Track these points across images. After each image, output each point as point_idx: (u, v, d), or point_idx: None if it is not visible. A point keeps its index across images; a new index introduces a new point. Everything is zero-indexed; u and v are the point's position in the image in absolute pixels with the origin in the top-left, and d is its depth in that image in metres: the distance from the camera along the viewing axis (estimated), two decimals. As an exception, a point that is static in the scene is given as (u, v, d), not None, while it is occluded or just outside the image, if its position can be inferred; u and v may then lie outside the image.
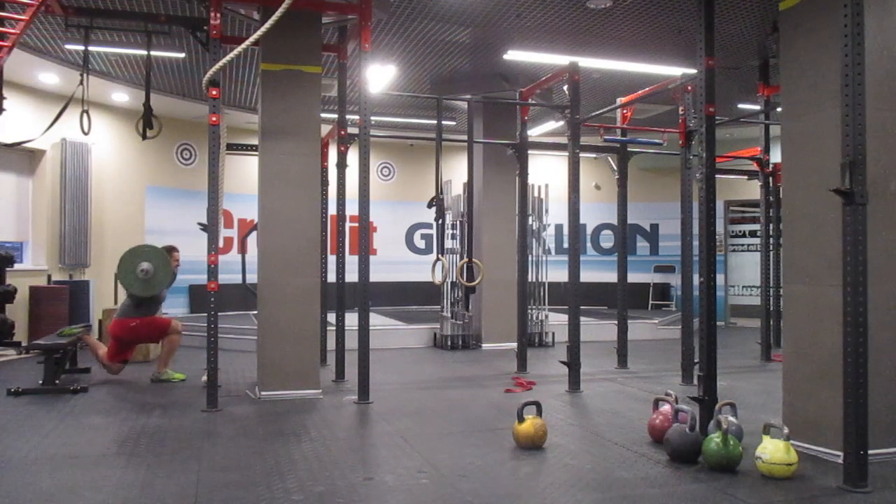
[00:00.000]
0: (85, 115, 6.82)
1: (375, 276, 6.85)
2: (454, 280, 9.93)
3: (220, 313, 6.03)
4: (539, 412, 4.76)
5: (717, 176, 4.90)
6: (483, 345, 9.95)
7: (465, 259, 7.42)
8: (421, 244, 14.89)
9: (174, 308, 11.86)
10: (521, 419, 4.63)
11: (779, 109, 5.15)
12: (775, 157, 8.40)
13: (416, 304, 14.04)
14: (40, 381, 6.53)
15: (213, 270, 5.84)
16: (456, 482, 3.90)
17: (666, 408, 4.80)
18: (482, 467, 4.19)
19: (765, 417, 4.83)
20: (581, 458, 4.44)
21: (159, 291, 7.24)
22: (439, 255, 7.30)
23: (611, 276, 9.01)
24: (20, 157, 10.03)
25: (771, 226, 9.10)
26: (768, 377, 7.55)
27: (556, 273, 10.35)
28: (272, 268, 6.35)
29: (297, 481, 3.89)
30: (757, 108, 10.04)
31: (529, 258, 9.49)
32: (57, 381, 6.60)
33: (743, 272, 14.98)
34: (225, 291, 6.33)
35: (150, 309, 7.28)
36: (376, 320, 11.51)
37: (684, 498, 3.65)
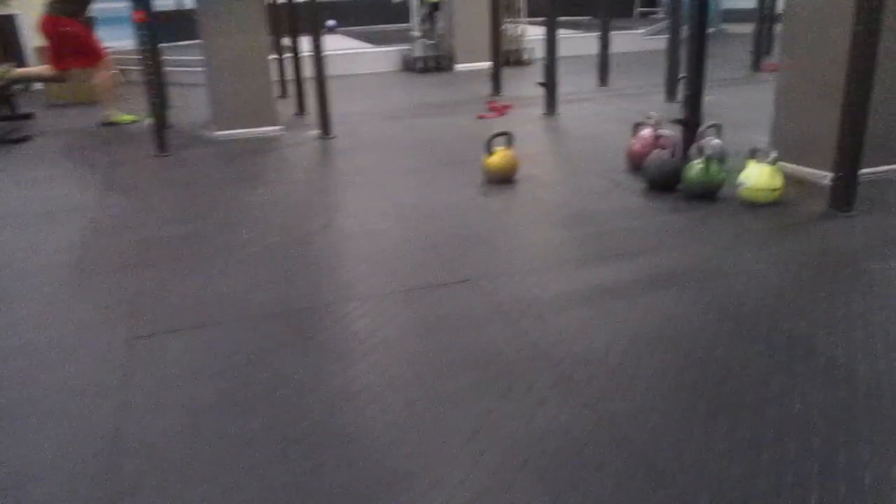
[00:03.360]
0: None
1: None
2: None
3: (174, 43, 5.37)
4: (510, 142, 4.41)
5: None
6: (457, 66, 9.32)
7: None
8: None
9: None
10: (489, 151, 4.29)
11: None
12: None
13: (386, 22, 13.03)
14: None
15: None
16: (420, 223, 3.67)
17: (647, 132, 4.45)
18: (449, 205, 3.94)
19: (752, 137, 4.53)
20: (554, 190, 4.18)
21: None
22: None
23: (595, -18, 8.11)
24: None
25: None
26: (756, 90, 7.13)
27: (535, -19, 9.37)
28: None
29: (251, 231, 3.64)
30: None
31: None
32: (-7, 131, 6.13)
33: (740, -29, 13.72)
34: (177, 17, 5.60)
35: (80, 6, 6.48)
36: (341, 43, 10.71)
37: (660, 229, 3.45)
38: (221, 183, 4.59)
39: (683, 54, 4.46)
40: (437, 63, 9.21)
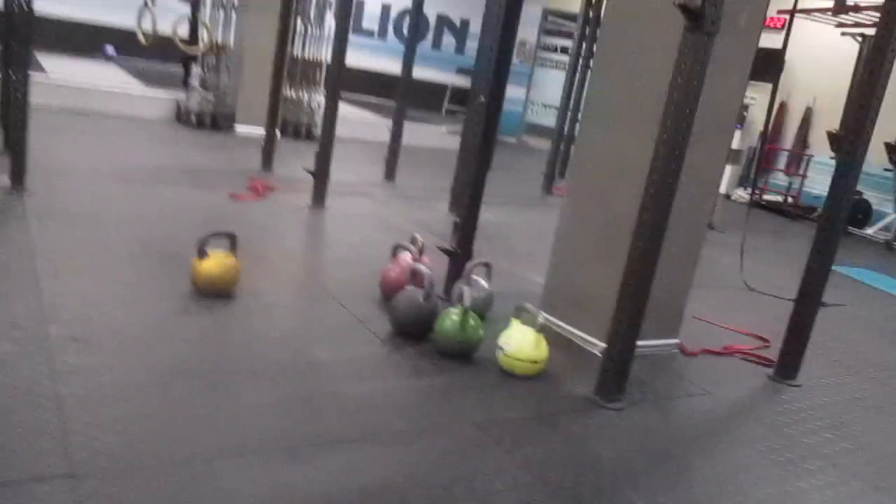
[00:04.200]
0: None
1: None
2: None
3: None
4: (233, 245, 3.44)
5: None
6: (238, 127, 8.25)
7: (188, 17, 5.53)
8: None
9: None
10: (202, 254, 3.29)
11: None
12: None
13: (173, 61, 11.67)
14: None
15: None
16: (59, 348, 2.54)
17: (406, 258, 3.69)
18: (119, 326, 2.85)
19: (528, 278, 3.95)
20: (274, 319, 3.25)
21: None
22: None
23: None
24: None
25: (584, 45, 8.00)
26: (545, 214, 6.79)
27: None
28: None
29: None
30: None
31: (302, 27, 7.70)
32: None
33: (546, 90, 14.08)
34: None
35: None
36: (113, 76, 9.30)
37: (390, 402, 2.61)
38: None
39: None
40: (214, 120, 8.10)
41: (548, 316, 3.58)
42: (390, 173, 6.94)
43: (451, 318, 3.07)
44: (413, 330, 3.19)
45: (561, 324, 3.57)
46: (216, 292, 3.30)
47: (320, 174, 5.33)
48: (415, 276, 3.31)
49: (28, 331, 2.65)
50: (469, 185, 3.72)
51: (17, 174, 4.42)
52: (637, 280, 2.78)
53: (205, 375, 2.58)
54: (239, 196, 5.26)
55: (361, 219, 5.39)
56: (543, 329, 3.02)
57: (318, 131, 8.73)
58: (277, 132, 6.65)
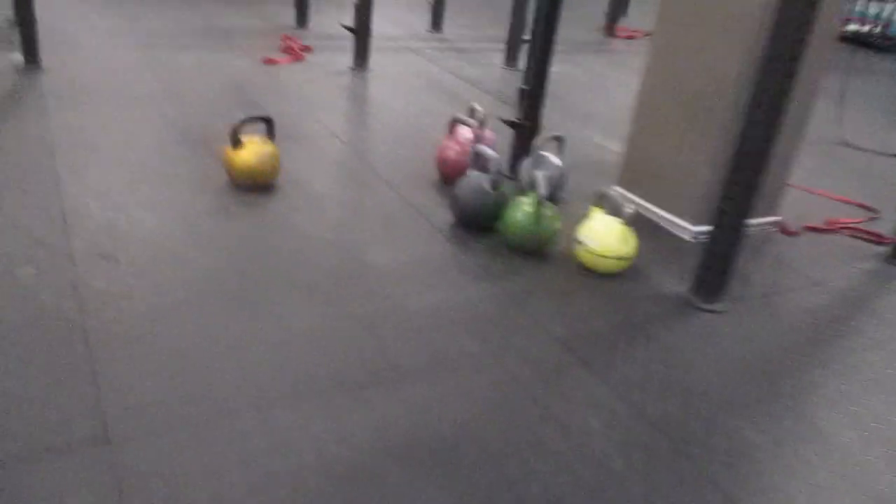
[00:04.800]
0: None
1: None
2: None
3: None
4: (271, 132, 3.03)
5: None
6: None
7: None
8: None
9: None
10: (235, 143, 2.90)
11: None
12: None
13: None
14: None
15: None
16: (84, 269, 2.25)
17: (466, 133, 3.24)
18: (148, 235, 2.53)
19: (595, 139, 3.50)
20: (321, 215, 2.87)
21: None
22: None
23: None
24: None
25: None
26: (609, 62, 6.15)
27: None
28: None
29: None
30: None
31: None
32: None
33: None
34: None
35: None
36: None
37: (459, 318, 2.28)
38: None
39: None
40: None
41: (627, 193, 3.15)
42: (437, 22, 6.26)
43: (522, 208, 2.66)
44: (478, 222, 2.80)
45: (644, 203, 3.13)
46: (254, 184, 2.93)
47: (361, 30, 4.75)
48: (478, 159, 2.87)
49: (51, 248, 2.35)
50: (538, 39, 3.15)
51: (31, 49, 4.00)
52: (752, 157, 2.30)
53: (246, 293, 2.27)
54: (273, 60, 4.76)
55: (409, 80, 4.85)
56: (633, 220, 2.59)
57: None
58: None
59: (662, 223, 3.07)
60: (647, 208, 3.11)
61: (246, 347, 2.01)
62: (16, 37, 3.99)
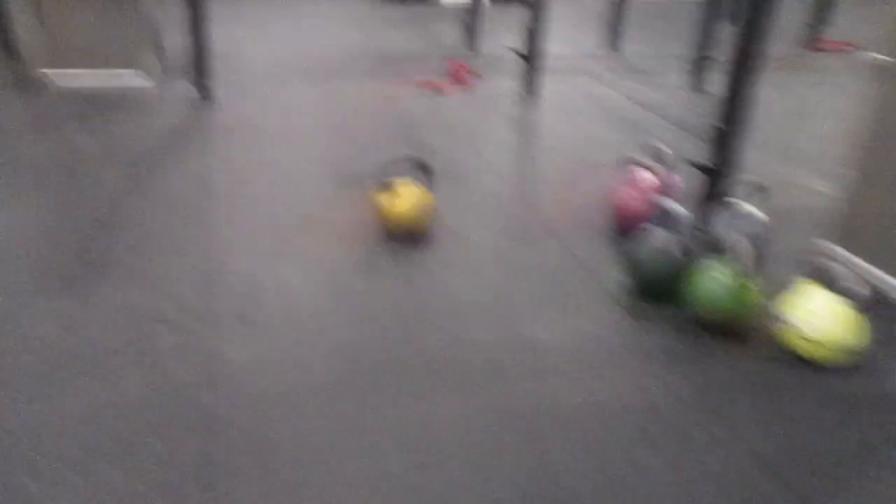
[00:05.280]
0: None
1: None
2: None
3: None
4: (428, 174, 2.76)
5: None
6: (443, -4, 7.41)
7: None
8: None
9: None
10: (385, 187, 2.66)
11: None
12: None
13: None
14: None
15: None
16: (222, 335, 2.08)
17: (645, 177, 2.80)
18: (291, 296, 2.34)
19: (799, 178, 2.96)
20: (478, 275, 2.56)
21: None
22: None
23: None
24: None
25: None
26: (811, 80, 5.38)
27: None
28: None
29: None
30: None
31: None
32: None
33: None
34: None
35: None
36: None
37: (638, 428, 1.87)
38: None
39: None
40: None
41: (845, 252, 2.57)
42: (613, 39, 5.80)
43: (720, 280, 2.20)
44: (662, 292, 2.37)
45: (869, 266, 2.54)
46: (402, 232, 2.68)
47: (532, 55, 4.41)
48: (665, 216, 2.43)
49: (192, 313, 2.21)
50: (737, 64, 2.64)
51: (203, 84, 4.05)
52: None
53: (387, 376, 1.99)
54: (439, 86, 4.53)
55: (581, 107, 4.45)
56: (867, 306, 2.05)
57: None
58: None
59: (892, 291, 2.47)
60: (873, 274, 2.52)
61: (380, 455, 1.72)
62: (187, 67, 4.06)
